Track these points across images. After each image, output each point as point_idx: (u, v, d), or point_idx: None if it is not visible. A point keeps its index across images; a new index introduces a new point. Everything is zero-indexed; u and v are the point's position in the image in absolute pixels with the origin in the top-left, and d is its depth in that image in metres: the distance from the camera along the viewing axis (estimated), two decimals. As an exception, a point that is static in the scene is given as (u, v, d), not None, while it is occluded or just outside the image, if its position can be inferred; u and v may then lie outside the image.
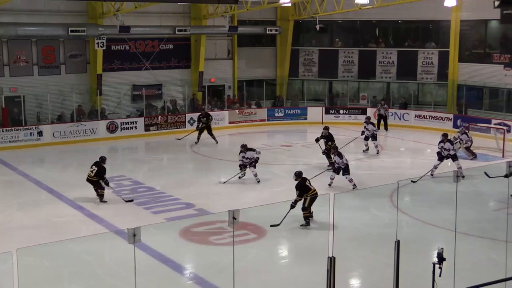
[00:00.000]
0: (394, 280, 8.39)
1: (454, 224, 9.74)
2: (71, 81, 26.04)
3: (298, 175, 14.49)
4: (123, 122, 25.89)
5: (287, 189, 17.66)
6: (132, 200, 16.37)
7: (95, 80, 26.17)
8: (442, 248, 9.17)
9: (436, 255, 9.31)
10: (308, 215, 14.00)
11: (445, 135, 18.92)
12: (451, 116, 27.21)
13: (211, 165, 21.48)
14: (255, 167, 18.32)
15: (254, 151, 18.41)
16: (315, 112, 29.61)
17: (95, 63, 26.00)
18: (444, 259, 9.12)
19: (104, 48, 25.53)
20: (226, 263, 10.61)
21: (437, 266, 8.93)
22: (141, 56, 27.92)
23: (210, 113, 25.83)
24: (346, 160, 17.38)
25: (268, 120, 29.36)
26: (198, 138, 24.41)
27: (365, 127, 22.08)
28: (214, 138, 24.18)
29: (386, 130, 27.19)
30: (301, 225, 13.92)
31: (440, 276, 9.47)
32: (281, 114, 29.66)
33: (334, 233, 8.16)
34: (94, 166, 16.31)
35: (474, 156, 21.41)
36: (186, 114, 27.35)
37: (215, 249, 12.84)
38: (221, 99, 29.84)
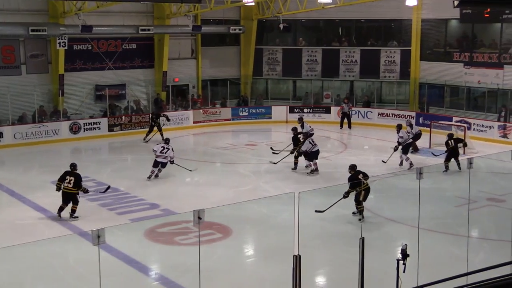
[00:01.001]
0: (359, 277, 8.47)
1: (417, 221, 9.88)
2: (32, 81, 25.61)
3: (352, 168, 15.03)
4: (86, 123, 25.58)
5: (252, 188, 17.78)
6: (109, 187, 16.18)
7: (57, 80, 25.79)
8: (406, 245, 9.29)
9: (400, 251, 9.43)
10: (361, 208, 14.37)
11: (398, 126, 20.47)
12: (413, 114, 27.57)
13: (175, 165, 21.31)
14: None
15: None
16: (279, 111, 29.71)
17: (57, 63, 25.63)
18: (408, 255, 9.24)
19: (66, 48, 25.19)
20: (191, 263, 10.57)
21: (401, 262, 9.04)
22: (104, 56, 27.62)
23: (174, 112, 25.75)
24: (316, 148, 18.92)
25: (233, 119, 29.36)
26: (147, 136, 24.51)
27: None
28: (162, 136, 23.75)
29: (350, 128, 27.46)
30: (353, 213, 14.52)
31: (404, 272, 9.59)
32: (245, 114, 29.69)
33: (299, 231, 8.19)
34: (68, 176, 14.63)
35: (415, 149, 22.05)
36: (150, 114, 27.14)
37: (180, 249, 12.79)
38: (185, 99, 29.72)
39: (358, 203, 14.39)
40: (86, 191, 15.14)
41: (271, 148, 21.30)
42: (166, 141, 19.20)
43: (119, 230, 12.47)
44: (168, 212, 15.25)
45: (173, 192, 17.33)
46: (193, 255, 9.15)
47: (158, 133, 24.53)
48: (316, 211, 13.95)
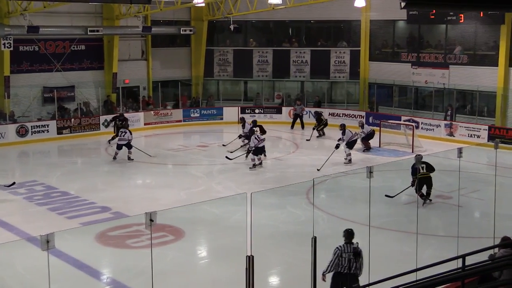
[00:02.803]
0: (312, 276, 8.54)
1: (368, 219, 10.02)
2: (-24, 83, 24.95)
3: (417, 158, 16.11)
4: (34, 126, 25.05)
5: (204, 190, 17.73)
6: (14, 183, 16.62)
7: (3, 82, 25.14)
8: (357, 243, 9.43)
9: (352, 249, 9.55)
10: (421, 195, 15.40)
11: (342, 126, 21.24)
12: (363, 113, 27.98)
13: (126, 168, 21.12)
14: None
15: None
16: (231, 112, 29.71)
17: (2, 64, 24.98)
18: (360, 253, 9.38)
19: (11, 49, 24.57)
20: (144, 266, 10.46)
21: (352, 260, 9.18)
22: (52, 57, 27.08)
23: (125, 114, 25.50)
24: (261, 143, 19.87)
25: (184, 120, 29.21)
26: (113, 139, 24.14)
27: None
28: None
29: (303, 129, 27.63)
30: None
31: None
32: (197, 115, 29.57)
33: (252, 232, 8.20)
34: None
35: (367, 148, 22.62)
36: (100, 116, 26.80)
37: (132, 252, 12.66)
38: (136, 101, 29.42)
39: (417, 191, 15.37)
40: None
41: (226, 157, 21.19)
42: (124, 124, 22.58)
43: (69, 235, 12.27)
44: (120, 215, 15.07)
45: (124, 195, 17.13)
46: (146, 258, 9.06)
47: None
48: (386, 195, 15.38)
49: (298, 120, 28.02)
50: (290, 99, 30.58)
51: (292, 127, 28.00)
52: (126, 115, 25.85)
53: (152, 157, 21.68)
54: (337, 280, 9.28)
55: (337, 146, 20.73)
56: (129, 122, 24.89)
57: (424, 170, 15.70)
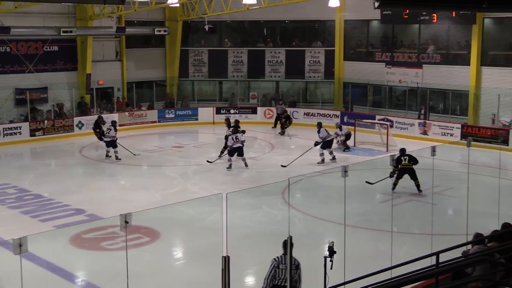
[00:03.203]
0: (289, 275, 8.55)
1: (343, 218, 10.06)
2: None
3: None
4: (6, 128, 24.71)
5: (180, 191, 17.68)
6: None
7: (-26, 83, 24.83)
8: (333, 242, 9.45)
9: (327, 248, 9.58)
10: (394, 183, 16.33)
11: (319, 124, 21.43)
12: (338, 113, 28.13)
13: (101, 169, 20.96)
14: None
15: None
16: (206, 113, 29.65)
17: (-27, 65, 24.68)
18: (335, 252, 9.40)
19: (-17, 50, 24.27)
20: (119, 268, 10.41)
21: (328, 259, 9.19)
22: (24, 58, 26.74)
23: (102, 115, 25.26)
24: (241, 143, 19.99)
25: (159, 121, 29.07)
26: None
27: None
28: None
29: (282, 129, 27.41)
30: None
31: (331, 268, 9.74)
32: (172, 115, 29.45)
33: (227, 232, 8.19)
34: None
35: (346, 148, 22.80)
36: (74, 118, 26.55)
37: (107, 254, 12.56)
38: (111, 102, 29.20)
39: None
40: None
41: (207, 161, 21.10)
42: (113, 123, 22.18)
43: (43, 238, 12.14)
44: (94, 217, 14.94)
45: (99, 197, 16.98)
46: (121, 260, 9.01)
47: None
48: (366, 182, 16.28)
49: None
50: (265, 99, 30.59)
51: (275, 126, 27.92)
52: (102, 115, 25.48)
53: (136, 155, 21.87)
54: None
55: (316, 144, 20.78)
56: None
57: (406, 162, 16.36)
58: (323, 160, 20.62)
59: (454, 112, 25.98)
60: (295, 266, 8.74)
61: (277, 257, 8.79)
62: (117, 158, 21.33)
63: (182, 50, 31.59)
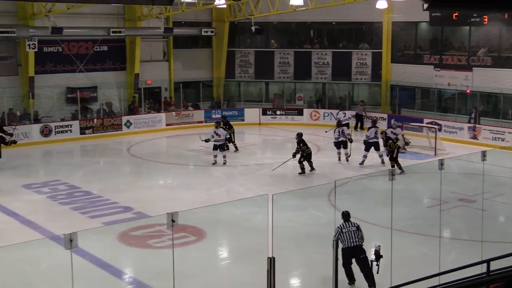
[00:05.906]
0: (333, 278, 8.51)
1: (390, 222, 9.96)
2: (1, 84, 25.19)
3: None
4: (57, 126, 25.30)
5: (226, 191, 17.78)
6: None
7: (27, 82, 25.44)
8: (379, 246, 9.39)
9: (373, 252, 9.51)
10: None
11: (373, 121, 21.81)
12: (385, 116, 27.82)
13: (148, 168, 21.24)
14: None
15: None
16: (252, 113, 29.72)
17: (27, 65, 25.29)
18: (381, 256, 9.34)
19: (36, 50, 24.85)
20: (166, 266, 10.51)
21: (374, 263, 9.13)
22: (75, 58, 27.34)
23: (147, 115, 25.61)
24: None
25: (206, 121, 29.27)
26: None
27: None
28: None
29: (362, 129, 26.97)
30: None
31: (378, 272, 9.68)
32: (218, 116, 29.59)
33: (273, 233, 8.20)
34: None
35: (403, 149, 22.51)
36: (123, 117, 26.98)
37: (154, 252, 12.71)
38: (158, 101, 29.56)
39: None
40: None
41: (204, 140, 21.59)
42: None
43: (92, 234, 12.36)
44: (142, 215, 15.14)
45: (146, 195, 17.20)
46: (167, 258, 9.11)
47: None
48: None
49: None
50: (311, 100, 30.51)
51: (356, 128, 27.65)
52: (147, 115, 25.90)
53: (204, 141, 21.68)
54: (346, 254, 10.04)
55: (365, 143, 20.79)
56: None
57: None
58: (363, 162, 20.34)
59: (505, 117, 25.40)
60: (356, 228, 10.27)
61: (340, 224, 10.24)
62: (224, 163, 20.84)
63: (228, 51, 31.76)
